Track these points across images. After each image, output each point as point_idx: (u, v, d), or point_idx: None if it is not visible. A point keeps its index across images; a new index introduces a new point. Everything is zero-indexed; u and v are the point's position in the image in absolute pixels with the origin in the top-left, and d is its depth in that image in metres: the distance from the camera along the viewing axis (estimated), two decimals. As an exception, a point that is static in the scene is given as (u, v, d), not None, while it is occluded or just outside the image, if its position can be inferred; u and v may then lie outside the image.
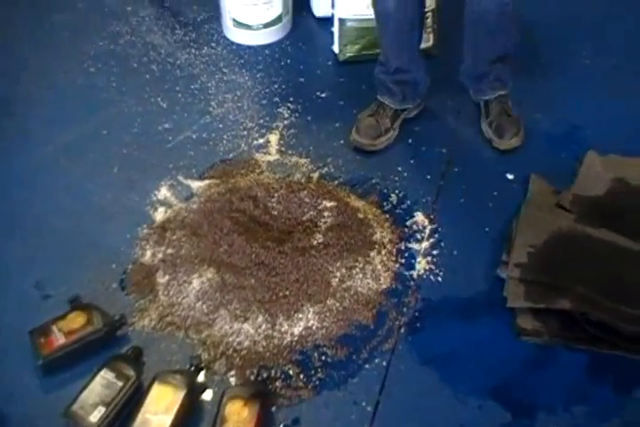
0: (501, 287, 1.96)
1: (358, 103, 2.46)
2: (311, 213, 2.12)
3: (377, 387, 1.80)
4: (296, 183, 2.21)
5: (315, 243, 2.04)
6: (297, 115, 2.48)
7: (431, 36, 2.67)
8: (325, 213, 2.11)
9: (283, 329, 1.89)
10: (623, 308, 1.91)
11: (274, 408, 1.75)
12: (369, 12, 2.52)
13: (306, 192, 2.16)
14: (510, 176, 2.27)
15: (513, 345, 1.88)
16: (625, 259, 2.03)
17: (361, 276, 1.99)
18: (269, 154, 2.34)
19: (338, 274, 1.98)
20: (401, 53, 2.33)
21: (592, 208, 2.16)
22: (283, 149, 2.36)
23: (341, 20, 2.64)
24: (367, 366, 1.84)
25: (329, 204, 2.13)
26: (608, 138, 2.37)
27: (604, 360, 1.86)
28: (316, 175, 2.27)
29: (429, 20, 2.64)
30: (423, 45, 2.47)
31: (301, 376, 1.81)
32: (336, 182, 2.25)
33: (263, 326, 1.88)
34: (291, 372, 1.81)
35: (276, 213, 2.12)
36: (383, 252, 2.06)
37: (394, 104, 2.39)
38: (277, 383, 1.79)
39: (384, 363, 1.85)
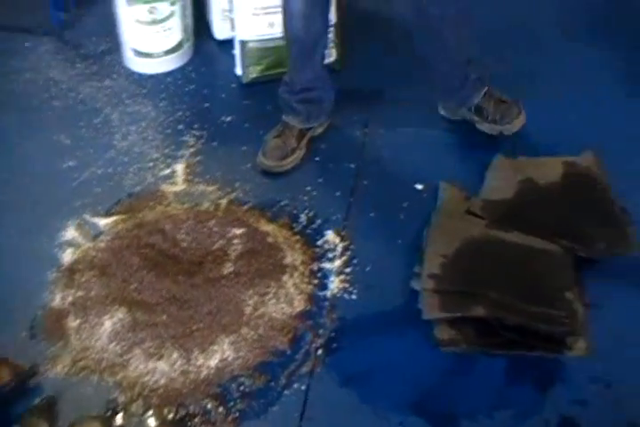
0: (417, 299, 1.97)
1: (264, 125, 2.46)
2: (221, 241, 2.11)
3: (297, 413, 1.80)
4: (204, 212, 2.20)
5: (226, 272, 2.03)
6: (203, 141, 2.47)
7: (334, 50, 2.68)
8: (235, 241, 2.11)
9: (198, 363, 1.87)
10: (538, 308, 1.93)
11: (195, 446, 1.76)
12: (270, 32, 2.56)
13: (214, 221, 2.16)
14: (419, 186, 2.28)
15: (432, 357, 1.89)
16: (538, 259, 2.06)
17: (274, 301, 1.99)
18: (176, 184, 2.33)
19: (251, 302, 1.98)
20: (305, 72, 2.34)
21: (503, 212, 2.18)
22: (190, 177, 2.35)
23: (242, 42, 2.63)
24: (286, 392, 1.83)
25: (238, 231, 2.13)
26: (516, 141, 2.41)
27: (521, 362, 1.88)
28: (224, 202, 2.26)
29: (332, 35, 2.64)
30: (326, 61, 2.48)
31: (220, 410, 1.79)
32: (245, 207, 2.24)
33: (178, 362, 1.86)
34: (209, 406, 1.79)
35: (185, 244, 2.11)
36: (295, 274, 2.06)
37: (299, 123, 2.40)
38: (196, 420, 1.77)
39: (303, 387, 1.84)
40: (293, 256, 2.10)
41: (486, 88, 2.43)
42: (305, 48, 2.28)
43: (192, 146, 2.45)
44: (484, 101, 2.42)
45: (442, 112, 2.54)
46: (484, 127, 2.45)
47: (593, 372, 1.87)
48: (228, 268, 2.04)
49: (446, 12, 2.16)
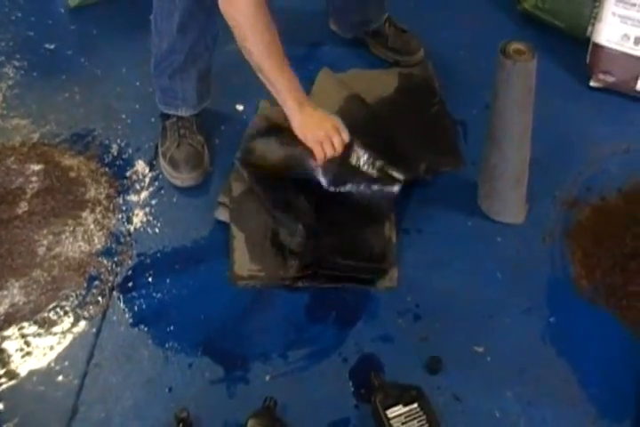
0: (221, 230, 1.78)
1: (87, 51, 2.23)
2: (20, 179, 1.90)
3: (84, 359, 1.61)
4: (7, 149, 1.97)
5: (20, 212, 1.83)
6: (23, 72, 2.20)
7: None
8: (33, 178, 1.89)
9: (-13, 311, 1.72)
10: (348, 238, 1.73)
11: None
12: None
13: (13, 158, 1.94)
14: (240, 107, 2.05)
15: (229, 294, 1.70)
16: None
17: (71, 240, 1.79)
18: (-11, 120, 2.13)
19: (45, 242, 1.78)
20: (192, 29, 1.77)
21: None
22: (5, 112, 2.09)
23: (67, -39, 2.37)
24: (76, 336, 1.64)
25: (37, 167, 1.91)
26: (347, 53, 2.17)
27: (325, 298, 1.70)
28: (36, 136, 2.02)
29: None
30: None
31: (3, 361, 1.60)
32: (57, 140, 2.01)
33: (-35, 313, 1.71)
34: (-8, 357, 1.65)
35: (-18, 185, 1.93)
36: (98, 209, 1.85)
37: (192, 109, 1.93)
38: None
39: (94, 330, 1.66)
40: (98, 190, 1.89)
41: (386, 14, 2.19)
42: None
43: (11, 78, 2.19)
44: (385, 28, 2.18)
45: (333, 28, 2.27)
46: (380, 52, 2.21)
47: (402, 304, 1.69)
48: (22, 207, 1.84)
49: None
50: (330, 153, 1.75)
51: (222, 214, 1.80)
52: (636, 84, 2.11)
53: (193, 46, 1.80)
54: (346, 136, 1.76)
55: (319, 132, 1.73)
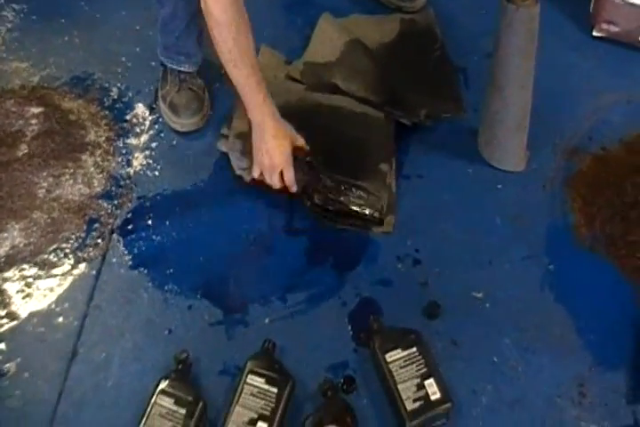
0: (220, 174, 1.70)
1: (86, -8, 2.16)
2: (20, 122, 1.81)
3: (85, 299, 1.55)
4: (6, 92, 1.88)
5: (20, 155, 1.75)
6: (22, 16, 2.08)
7: None
8: (33, 121, 1.81)
9: (-12, 253, 1.65)
10: (346, 181, 1.63)
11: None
12: None
13: (12, 101, 1.84)
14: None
15: (228, 237, 1.64)
16: (355, 126, 1.74)
17: (71, 182, 1.72)
18: (-11, 62, 2.03)
19: (45, 184, 1.71)
20: None
21: (324, 75, 1.84)
22: (4, 55, 1.98)
23: None
24: (76, 278, 1.57)
25: (36, 110, 1.82)
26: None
27: (324, 241, 1.63)
28: (36, 79, 1.92)
29: None
30: None
31: (4, 302, 1.54)
32: (57, 83, 1.91)
33: (-35, 254, 1.64)
34: (-8, 298, 1.59)
35: (-19, 127, 1.84)
36: (98, 152, 1.77)
37: (195, 65, 1.83)
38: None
39: (93, 272, 1.59)
40: (98, 133, 1.80)
41: None
42: None
43: (11, 21, 2.07)
44: None
45: None
46: None
47: (402, 249, 1.63)
48: (22, 150, 1.75)
49: None
50: (273, 185, 1.60)
51: (224, 145, 1.71)
52: (639, 34, 2.02)
53: (195, 13, 1.65)
54: (290, 175, 1.57)
55: (273, 160, 1.56)
